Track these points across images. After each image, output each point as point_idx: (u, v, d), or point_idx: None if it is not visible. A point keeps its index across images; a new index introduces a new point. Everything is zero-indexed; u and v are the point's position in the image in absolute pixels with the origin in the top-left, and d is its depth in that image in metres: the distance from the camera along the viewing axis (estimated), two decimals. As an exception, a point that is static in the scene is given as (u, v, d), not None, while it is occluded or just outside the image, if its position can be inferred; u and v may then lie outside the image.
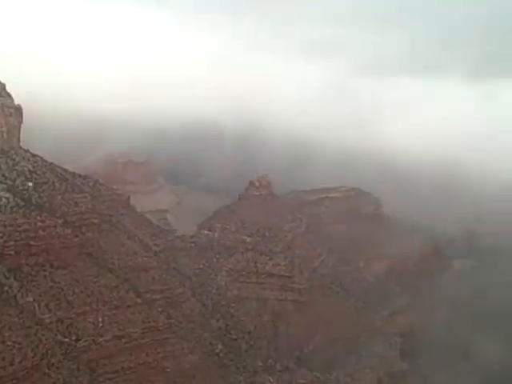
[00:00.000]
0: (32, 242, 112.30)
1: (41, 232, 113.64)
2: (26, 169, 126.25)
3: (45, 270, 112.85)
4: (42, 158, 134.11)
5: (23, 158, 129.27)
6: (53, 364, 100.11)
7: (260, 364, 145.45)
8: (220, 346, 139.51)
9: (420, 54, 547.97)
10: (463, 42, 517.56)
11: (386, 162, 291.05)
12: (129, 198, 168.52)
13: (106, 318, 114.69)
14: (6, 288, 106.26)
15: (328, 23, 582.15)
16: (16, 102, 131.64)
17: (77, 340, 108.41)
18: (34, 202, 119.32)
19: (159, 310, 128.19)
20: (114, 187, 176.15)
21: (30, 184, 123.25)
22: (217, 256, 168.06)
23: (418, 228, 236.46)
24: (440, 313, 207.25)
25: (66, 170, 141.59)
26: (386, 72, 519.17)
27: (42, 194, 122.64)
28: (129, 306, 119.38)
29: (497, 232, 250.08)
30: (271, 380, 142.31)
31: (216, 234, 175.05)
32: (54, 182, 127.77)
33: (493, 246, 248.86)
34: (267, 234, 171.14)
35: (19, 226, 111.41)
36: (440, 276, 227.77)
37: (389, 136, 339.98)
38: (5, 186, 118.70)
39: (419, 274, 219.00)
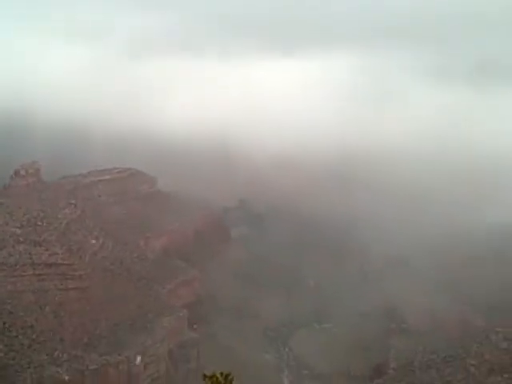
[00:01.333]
0: None
1: None
2: None
3: None
4: None
5: None
6: None
7: (45, 357, 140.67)
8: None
9: (187, 36, 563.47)
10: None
11: (161, 141, 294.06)
12: None
13: None
14: None
15: (96, 7, 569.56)
16: None
17: None
18: None
19: None
20: None
21: None
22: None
23: (196, 202, 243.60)
24: (224, 279, 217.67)
25: None
26: (155, 53, 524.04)
27: None
28: None
29: (266, 200, 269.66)
30: (60, 371, 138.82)
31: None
32: None
33: (264, 213, 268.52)
34: (40, 223, 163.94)
35: None
36: (220, 245, 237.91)
37: (162, 115, 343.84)
38: None
39: (200, 246, 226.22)
